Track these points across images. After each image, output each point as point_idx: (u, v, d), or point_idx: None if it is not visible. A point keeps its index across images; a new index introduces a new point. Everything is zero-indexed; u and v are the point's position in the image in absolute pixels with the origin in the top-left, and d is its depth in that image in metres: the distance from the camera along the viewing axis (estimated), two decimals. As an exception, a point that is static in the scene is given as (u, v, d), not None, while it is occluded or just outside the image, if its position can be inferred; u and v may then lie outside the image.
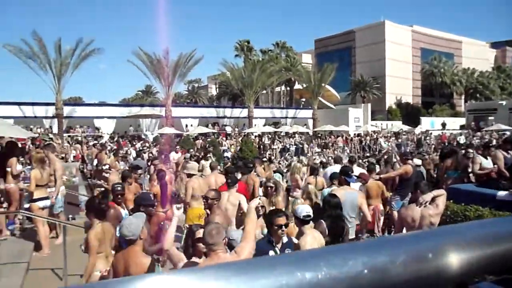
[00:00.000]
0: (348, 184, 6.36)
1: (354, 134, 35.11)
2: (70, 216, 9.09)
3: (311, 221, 4.77)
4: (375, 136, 31.57)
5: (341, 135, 32.36)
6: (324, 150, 26.90)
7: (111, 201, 5.97)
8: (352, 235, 5.86)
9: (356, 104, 48.58)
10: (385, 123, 43.45)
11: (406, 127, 37.74)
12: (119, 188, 5.96)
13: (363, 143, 29.52)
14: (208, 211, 5.35)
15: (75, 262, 6.15)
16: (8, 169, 7.24)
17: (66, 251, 6.05)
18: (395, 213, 8.12)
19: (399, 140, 29.50)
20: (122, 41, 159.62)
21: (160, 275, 0.50)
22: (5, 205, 6.91)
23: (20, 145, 11.42)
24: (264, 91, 45.76)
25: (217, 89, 63.55)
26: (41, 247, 7.08)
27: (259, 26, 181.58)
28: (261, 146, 25.78)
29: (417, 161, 9.17)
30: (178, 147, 14.98)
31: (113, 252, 4.60)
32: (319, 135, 34.86)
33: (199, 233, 3.74)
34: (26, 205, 7.67)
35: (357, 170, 8.48)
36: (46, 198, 7.43)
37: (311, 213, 4.61)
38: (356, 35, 60.83)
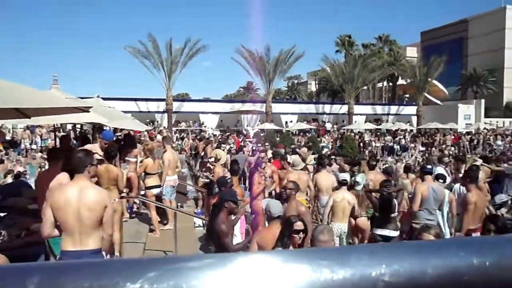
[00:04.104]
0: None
1: (460, 132, 32.58)
2: (179, 204, 9.86)
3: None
4: (488, 135, 29.01)
5: (448, 133, 30.26)
6: (430, 149, 25.41)
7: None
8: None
9: (466, 100, 44.94)
10: (501, 121, 39.60)
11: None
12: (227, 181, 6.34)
13: (474, 142, 27.34)
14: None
15: (184, 245, 6.74)
16: (131, 159, 7.96)
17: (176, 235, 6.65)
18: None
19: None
20: (225, 39, 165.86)
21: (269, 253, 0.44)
22: (125, 190, 7.61)
23: (136, 138, 12.55)
24: (365, 87, 44.44)
25: (317, 85, 63.02)
26: (154, 229, 7.83)
27: (360, 20, 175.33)
28: (361, 143, 25.24)
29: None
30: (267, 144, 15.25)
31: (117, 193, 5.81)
32: (427, 132, 33.03)
33: (297, 225, 3.82)
34: (142, 192, 8.46)
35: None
36: (158, 186, 8.14)
37: (347, 179, 6.63)
38: (469, 25, 56.04)
